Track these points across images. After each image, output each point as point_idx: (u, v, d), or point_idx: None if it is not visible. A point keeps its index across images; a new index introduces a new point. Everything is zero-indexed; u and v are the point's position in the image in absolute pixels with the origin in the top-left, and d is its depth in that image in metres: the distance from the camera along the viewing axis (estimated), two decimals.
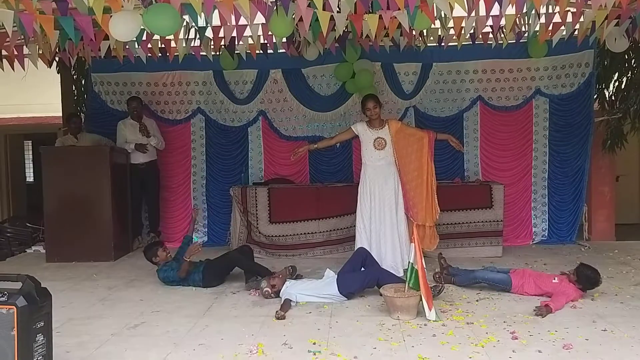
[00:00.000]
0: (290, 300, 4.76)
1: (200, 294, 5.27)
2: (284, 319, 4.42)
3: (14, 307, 3.05)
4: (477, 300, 4.86)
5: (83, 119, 7.91)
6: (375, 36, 5.38)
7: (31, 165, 12.73)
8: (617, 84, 7.55)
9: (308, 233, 6.84)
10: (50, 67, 7.12)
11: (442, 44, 6.58)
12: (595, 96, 7.45)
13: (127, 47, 6.02)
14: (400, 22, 4.96)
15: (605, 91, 7.61)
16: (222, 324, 4.36)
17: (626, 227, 8.20)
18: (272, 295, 4.98)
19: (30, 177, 12.68)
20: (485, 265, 5.59)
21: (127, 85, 7.78)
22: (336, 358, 3.60)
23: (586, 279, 4.77)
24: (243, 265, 5.59)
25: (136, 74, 7.63)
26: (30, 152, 12.66)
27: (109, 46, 5.80)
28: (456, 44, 6.54)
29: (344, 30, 5.46)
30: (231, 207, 7.17)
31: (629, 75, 7.43)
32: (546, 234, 7.49)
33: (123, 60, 6.22)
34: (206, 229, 7.81)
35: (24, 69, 6.02)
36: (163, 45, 6.14)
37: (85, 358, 3.71)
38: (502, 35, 6.27)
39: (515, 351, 3.67)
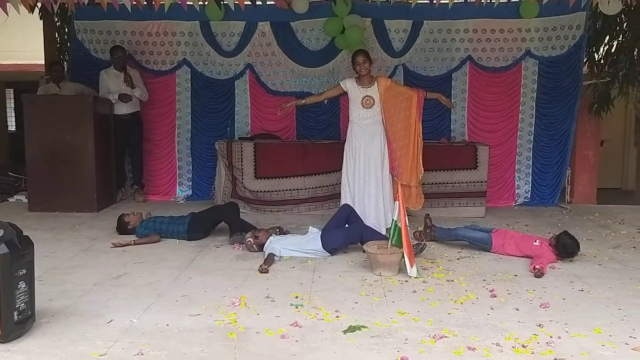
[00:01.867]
0: (274, 255, 4.79)
1: (184, 246, 5.28)
2: (267, 272, 4.46)
3: None
4: (458, 259, 4.93)
5: (66, 68, 7.75)
6: None
7: (13, 113, 12.53)
8: (607, 47, 7.52)
9: (293, 189, 6.84)
10: (32, 13, 6.91)
11: (434, 0, 6.45)
12: (584, 59, 7.42)
13: None
14: None
15: (595, 54, 7.58)
16: (205, 277, 4.39)
17: (608, 191, 8.31)
18: (254, 247, 5.01)
19: (12, 126, 12.50)
20: (468, 224, 5.64)
21: (111, 33, 7.58)
22: (318, 312, 3.65)
23: (563, 247, 4.79)
24: (229, 220, 5.59)
25: (120, 22, 7.43)
26: (12, 101, 12.44)
27: None
28: (448, 1, 6.43)
29: None
30: (216, 161, 7.14)
31: (620, 39, 7.39)
32: (529, 196, 7.55)
33: (107, 7, 6.03)
34: (190, 183, 7.76)
35: (6, 14, 5.83)
36: None
37: (68, 306, 3.72)
38: None
39: (493, 308, 3.74)
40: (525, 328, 3.40)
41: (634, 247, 5.38)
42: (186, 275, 4.43)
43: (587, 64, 7.54)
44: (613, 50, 7.45)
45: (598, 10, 6.52)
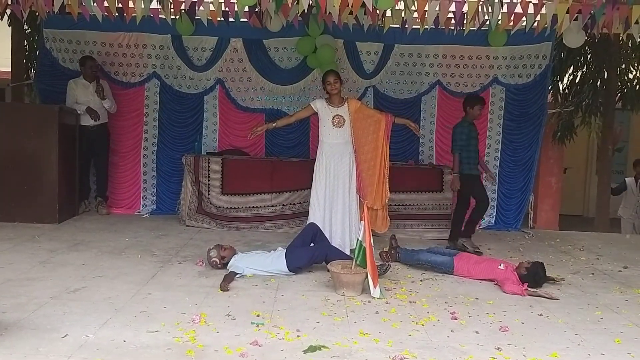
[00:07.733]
0: (235, 273, 4.73)
1: (145, 261, 5.20)
2: (227, 290, 4.40)
3: None
4: (421, 281, 4.95)
5: (33, 76, 7.63)
6: (340, 13, 5.31)
7: None
8: (571, 77, 7.73)
9: (260, 206, 6.80)
10: (1, 19, 6.81)
11: (406, 26, 6.54)
12: (549, 88, 7.60)
13: (82, 3, 5.78)
14: (364, 1, 4.91)
15: (560, 84, 7.78)
16: (165, 293, 4.31)
17: (569, 218, 8.47)
18: (219, 265, 4.95)
19: None
20: (431, 247, 5.68)
21: (80, 43, 7.49)
22: (278, 331, 3.61)
23: (533, 276, 4.80)
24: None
25: (91, 32, 7.35)
26: None
27: (63, 1, 5.55)
28: (419, 27, 6.51)
29: (308, 4, 5.36)
30: (182, 176, 7.07)
31: (584, 69, 7.62)
32: (493, 220, 7.64)
33: (78, 17, 5.97)
34: (154, 197, 7.66)
35: None
36: (120, 5, 5.91)
37: (22, 320, 3.60)
38: (464, 22, 6.28)
39: (453, 331, 3.76)
40: (484, 351, 3.42)
41: (593, 274, 5.47)
42: (146, 290, 4.35)
43: (551, 93, 7.72)
44: (577, 80, 7.66)
45: (563, 42, 6.72)
